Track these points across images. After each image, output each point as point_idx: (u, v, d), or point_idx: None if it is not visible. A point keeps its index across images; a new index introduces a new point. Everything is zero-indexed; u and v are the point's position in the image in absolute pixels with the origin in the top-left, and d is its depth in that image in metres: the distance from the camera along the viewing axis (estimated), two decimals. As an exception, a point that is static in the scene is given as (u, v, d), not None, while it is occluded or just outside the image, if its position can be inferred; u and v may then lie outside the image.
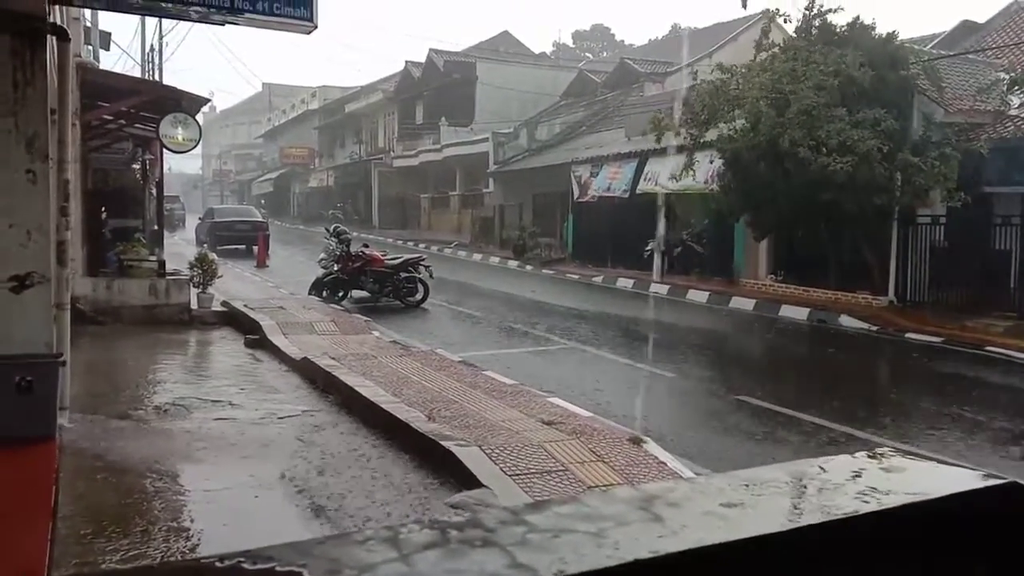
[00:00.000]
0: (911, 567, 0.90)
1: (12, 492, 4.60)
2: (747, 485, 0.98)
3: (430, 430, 6.05)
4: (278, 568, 0.69)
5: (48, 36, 5.75)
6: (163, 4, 5.34)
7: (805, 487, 0.95)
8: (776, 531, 0.80)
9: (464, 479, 5.22)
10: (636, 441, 6.04)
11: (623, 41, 67.87)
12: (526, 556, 0.72)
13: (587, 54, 62.72)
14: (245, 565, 0.70)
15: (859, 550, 0.86)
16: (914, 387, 10.05)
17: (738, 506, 0.87)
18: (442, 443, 5.70)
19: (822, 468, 1.01)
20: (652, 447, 5.93)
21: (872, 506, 0.88)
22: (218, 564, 0.71)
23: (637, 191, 21.29)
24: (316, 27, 5.00)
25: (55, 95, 6.12)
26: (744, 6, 15.15)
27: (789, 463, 1.04)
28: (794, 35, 16.30)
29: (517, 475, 5.16)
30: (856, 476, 1.00)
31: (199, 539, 4.39)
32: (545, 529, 0.79)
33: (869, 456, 1.04)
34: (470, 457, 5.43)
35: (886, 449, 1.08)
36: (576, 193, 25.10)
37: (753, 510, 0.87)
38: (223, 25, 5.92)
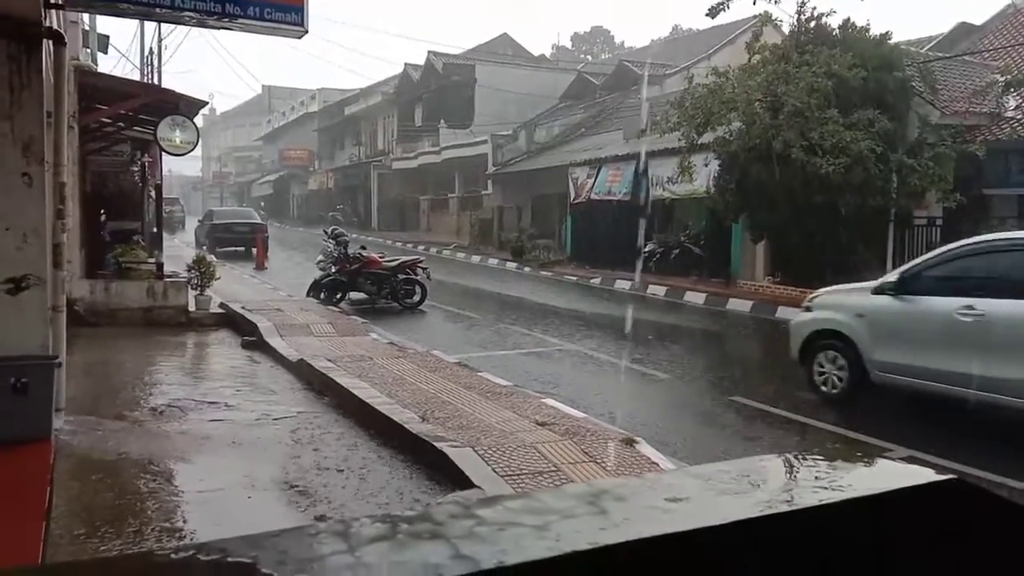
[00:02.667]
0: (853, 562, 0.93)
1: (6, 492, 4.63)
2: (697, 479, 1.01)
3: (424, 431, 6.08)
4: (230, 559, 0.72)
5: (44, 40, 5.79)
6: (157, 9, 5.39)
7: (753, 482, 0.98)
8: (716, 524, 0.83)
9: (457, 479, 5.24)
10: (629, 442, 6.06)
11: (622, 43, 67.99)
12: (469, 548, 0.75)
13: (586, 56, 62.83)
14: (199, 557, 0.73)
15: (800, 544, 0.88)
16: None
17: (684, 500, 0.90)
18: (435, 444, 5.72)
19: (772, 464, 1.04)
20: (645, 448, 5.95)
21: (814, 501, 0.91)
22: (173, 556, 0.74)
23: (650, 197, 21.36)
24: (307, 31, 5.05)
25: (51, 99, 6.16)
26: (712, 16, 15.11)
27: (742, 459, 1.07)
28: (787, 37, 16.38)
29: (509, 475, 5.18)
30: (804, 471, 1.02)
31: (191, 539, 4.41)
32: (493, 522, 0.82)
33: (819, 452, 1.07)
34: (463, 458, 5.45)
35: (837, 445, 1.11)
36: (574, 195, 25.14)
37: (698, 504, 0.90)
38: (218, 29, 5.97)
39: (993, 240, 7.78)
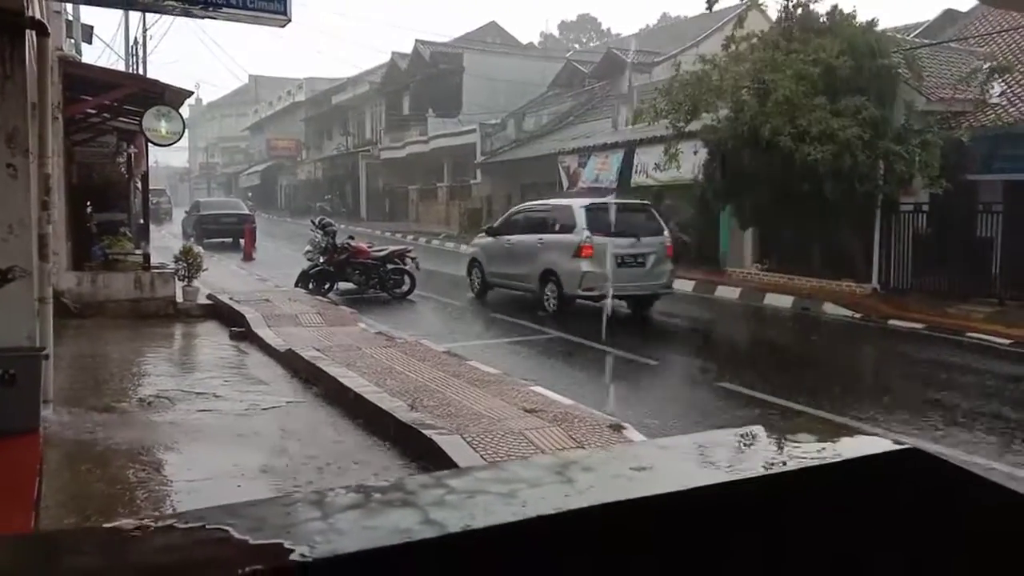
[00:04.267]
0: (811, 528, 0.96)
1: (-5, 483, 4.64)
2: (662, 450, 1.04)
3: (412, 419, 6.11)
4: (207, 526, 0.75)
5: (27, 31, 5.76)
6: (139, -2, 5.38)
7: (716, 452, 1.01)
8: (677, 490, 0.86)
9: (445, 466, 5.27)
10: (616, 427, 6.11)
11: (610, 31, 67.87)
12: (439, 514, 0.78)
13: (575, 44, 62.68)
14: (177, 525, 0.75)
15: (759, 510, 0.92)
16: (895, 373, 10.18)
17: (648, 469, 0.93)
18: (423, 431, 5.76)
19: (735, 435, 1.07)
20: (631, 433, 6.00)
21: (774, 469, 0.94)
22: (153, 525, 0.77)
23: (631, 184, 21.38)
24: (290, 20, 5.06)
25: (35, 89, 6.14)
26: (710, 8, 15.13)
27: (707, 432, 1.10)
28: (774, 24, 16.40)
29: (496, 462, 5.22)
30: (766, 442, 1.06)
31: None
32: (462, 491, 0.85)
33: (782, 425, 1.11)
34: (451, 445, 5.49)
35: (801, 419, 1.14)
36: (565, 184, 25.13)
37: (661, 473, 0.93)
38: (202, 19, 5.96)
39: (517, 208, 15.85)
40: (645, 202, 14.86)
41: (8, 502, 4.45)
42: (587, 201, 13.87)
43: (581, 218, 13.02)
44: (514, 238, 14.23)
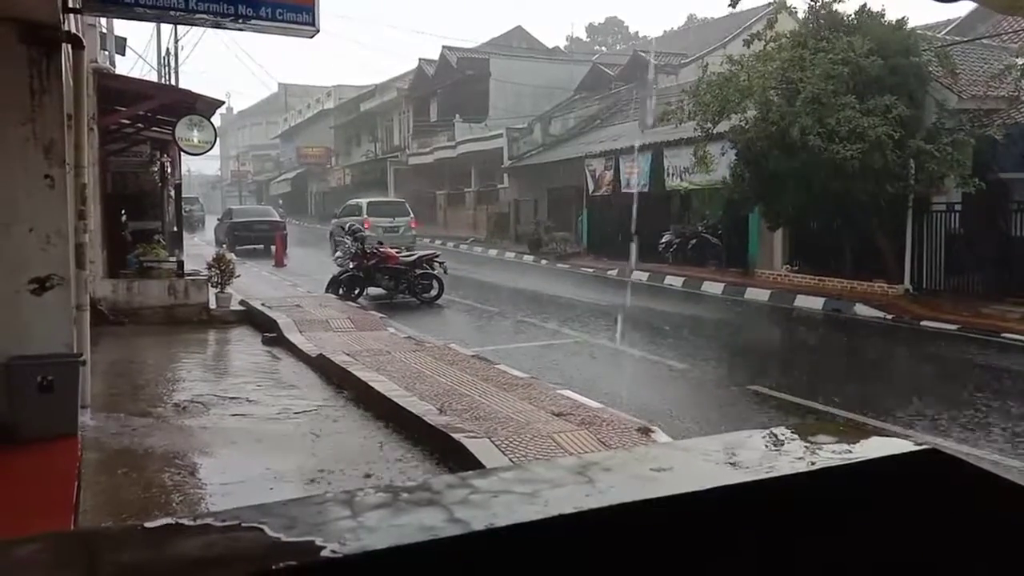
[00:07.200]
0: (830, 527, 0.98)
1: (36, 487, 4.76)
2: (683, 451, 1.06)
3: (441, 423, 6.15)
4: (242, 524, 0.78)
5: (63, 44, 5.90)
6: (171, 12, 5.50)
7: (736, 453, 1.03)
8: (696, 490, 0.88)
9: (473, 469, 5.31)
10: (645, 431, 6.11)
11: (637, 33, 67.70)
12: (463, 512, 0.81)
13: (601, 47, 62.61)
14: (213, 523, 0.79)
15: (777, 509, 0.93)
16: (928, 375, 10.05)
17: (668, 470, 0.95)
18: (452, 435, 5.80)
19: (756, 436, 1.09)
20: (660, 436, 6.00)
21: (792, 469, 0.96)
22: (188, 523, 0.80)
23: (666, 188, 21.35)
24: (318, 31, 5.14)
25: (71, 101, 6.28)
26: (733, 5, 14.92)
27: (728, 433, 1.12)
28: (802, 24, 16.26)
29: (520, 463, 5.24)
30: (786, 443, 1.07)
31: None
32: (486, 491, 0.88)
33: (801, 425, 1.12)
34: (479, 448, 5.53)
35: (823, 420, 1.16)
36: (591, 187, 25.12)
37: (680, 473, 0.95)
38: (233, 30, 6.07)
39: (346, 203, 28.28)
40: (400, 199, 29.23)
41: (48, 506, 4.56)
42: (369, 199, 27.30)
43: (364, 208, 25.38)
44: (344, 219, 23.60)
